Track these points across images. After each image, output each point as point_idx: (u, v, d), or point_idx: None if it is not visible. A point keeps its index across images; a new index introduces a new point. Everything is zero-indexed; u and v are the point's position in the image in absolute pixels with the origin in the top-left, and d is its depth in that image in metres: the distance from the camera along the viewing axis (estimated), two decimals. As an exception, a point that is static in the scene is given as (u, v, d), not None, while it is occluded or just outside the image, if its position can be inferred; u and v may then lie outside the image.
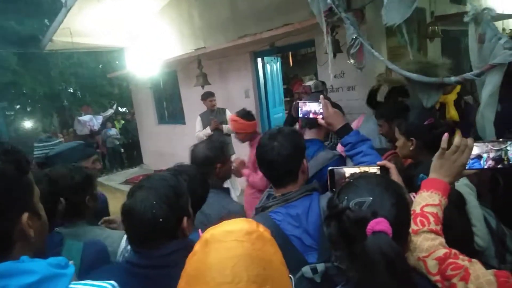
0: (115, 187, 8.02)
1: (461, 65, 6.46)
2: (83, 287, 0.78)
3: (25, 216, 0.80)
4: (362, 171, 1.28)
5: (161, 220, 1.11)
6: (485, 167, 1.18)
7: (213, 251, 0.70)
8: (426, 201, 1.10)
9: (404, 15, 1.98)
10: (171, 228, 1.15)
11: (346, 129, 1.61)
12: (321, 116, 1.64)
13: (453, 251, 0.99)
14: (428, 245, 1.01)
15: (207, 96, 5.18)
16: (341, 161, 1.89)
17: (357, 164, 1.53)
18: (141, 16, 7.13)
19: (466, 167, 1.17)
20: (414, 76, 2.02)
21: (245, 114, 3.11)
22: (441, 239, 1.04)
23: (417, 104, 2.15)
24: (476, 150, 1.18)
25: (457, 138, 1.14)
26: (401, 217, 0.91)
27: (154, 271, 1.11)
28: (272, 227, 1.31)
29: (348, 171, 1.30)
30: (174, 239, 1.15)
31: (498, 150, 1.16)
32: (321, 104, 1.63)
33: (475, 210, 1.64)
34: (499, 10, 5.93)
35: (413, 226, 1.05)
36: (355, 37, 2.29)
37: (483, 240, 1.61)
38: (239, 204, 1.93)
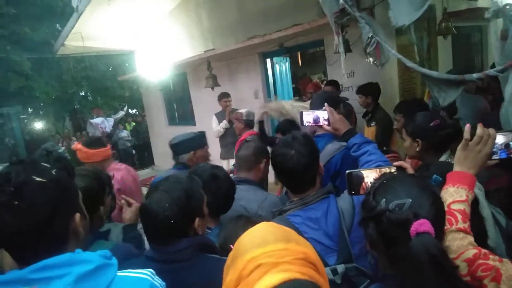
0: (127, 189, 8.10)
1: (472, 61, 6.38)
2: (128, 274, 0.89)
3: (77, 216, 0.91)
4: (381, 172, 1.28)
5: (172, 221, 1.22)
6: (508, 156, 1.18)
7: (245, 234, 0.82)
8: (453, 198, 1.07)
9: (413, 16, 1.98)
10: (183, 227, 1.26)
11: (351, 132, 1.68)
12: (326, 123, 1.70)
13: (483, 251, 0.96)
14: (457, 245, 0.99)
15: (222, 97, 5.25)
16: (348, 151, 1.91)
17: (364, 163, 1.55)
18: (150, 19, 7.21)
19: (495, 157, 1.17)
20: (434, 73, 2.00)
21: (91, 143, 2.75)
22: (470, 238, 1.01)
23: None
24: (502, 139, 1.18)
25: (480, 129, 1.13)
26: (439, 217, 0.94)
27: (166, 265, 1.22)
28: None
29: (366, 173, 1.30)
30: (186, 237, 1.26)
31: None
32: (326, 111, 1.70)
33: (485, 210, 1.63)
34: None
35: None
36: (371, 35, 2.29)
37: (491, 239, 1.60)
38: (276, 196, 2.10)
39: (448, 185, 1.12)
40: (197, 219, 1.29)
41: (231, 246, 0.96)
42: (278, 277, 0.67)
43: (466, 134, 1.14)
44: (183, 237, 1.25)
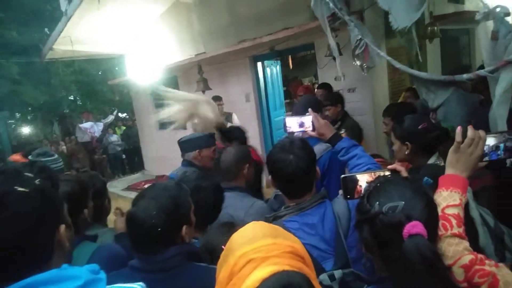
0: (117, 194, 8.01)
1: (460, 63, 6.48)
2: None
3: (63, 227, 0.88)
4: (375, 176, 1.27)
5: (159, 229, 1.21)
6: (502, 156, 1.20)
7: (236, 234, 0.86)
8: (447, 202, 1.07)
9: (413, 17, 2.00)
10: (170, 235, 1.25)
11: (337, 137, 1.68)
12: (310, 129, 1.69)
13: (479, 256, 0.95)
14: (452, 251, 0.98)
15: (214, 100, 5.23)
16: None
17: (354, 166, 1.55)
18: (140, 22, 7.17)
19: (487, 159, 1.18)
20: (423, 74, 2.02)
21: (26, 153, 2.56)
22: (465, 243, 1.00)
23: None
24: (492, 141, 1.19)
25: (470, 131, 1.13)
26: (432, 219, 0.95)
27: (153, 275, 1.20)
28: None
29: (360, 177, 1.29)
30: (173, 245, 1.25)
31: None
32: (310, 116, 1.68)
33: (473, 211, 1.66)
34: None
35: None
36: (360, 38, 2.31)
37: (481, 240, 1.62)
38: (263, 202, 2.03)
39: (441, 189, 1.11)
40: (184, 227, 1.29)
41: (222, 246, 0.97)
42: (268, 270, 0.71)
43: (458, 136, 1.13)
44: (170, 245, 1.24)
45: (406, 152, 1.89)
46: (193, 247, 1.35)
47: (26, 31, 12.04)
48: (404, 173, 1.30)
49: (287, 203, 1.47)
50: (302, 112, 1.78)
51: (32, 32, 12.20)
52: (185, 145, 2.63)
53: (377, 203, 0.94)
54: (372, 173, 1.28)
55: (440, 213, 1.04)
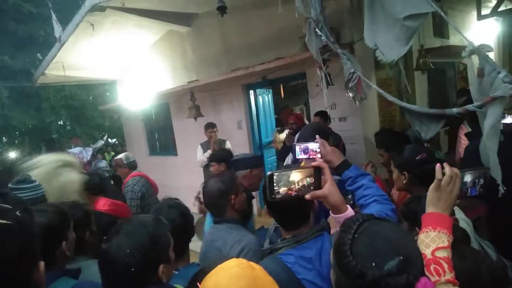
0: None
1: (447, 95, 6.65)
2: None
3: (42, 265, 0.82)
4: (304, 173, 1.22)
5: (133, 269, 1.11)
6: (480, 192, 1.23)
7: (210, 279, 0.83)
8: (436, 244, 1.03)
9: (401, 51, 2.07)
10: (145, 276, 1.15)
11: (345, 164, 1.57)
12: (319, 156, 1.58)
13: None
14: None
15: (208, 127, 5.28)
16: (340, 182, 1.88)
17: (360, 197, 1.48)
18: (134, 50, 7.26)
19: (468, 195, 1.19)
20: (414, 107, 2.06)
21: None
22: None
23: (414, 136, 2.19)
24: (469, 177, 1.21)
25: (448, 168, 1.13)
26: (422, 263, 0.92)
27: None
28: (283, 271, 1.27)
29: (290, 174, 1.21)
30: (148, 286, 1.15)
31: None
32: (317, 143, 1.59)
33: (474, 245, 1.65)
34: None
35: (428, 275, 0.96)
36: (353, 71, 2.36)
37: None
38: (254, 236, 1.86)
39: (427, 228, 1.08)
40: (161, 266, 1.19)
41: (198, 284, 0.94)
42: None
43: (438, 174, 1.13)
44: (145, 286, 1.14)
45: (404, 182, 1.91)
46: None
47: (19, 56, 12.05)
48: (327, 170, 1.26)
49: (284, 235, 1.43)
50: (308, 139, 1.71)
51: (25, 57, 12.22)
52: (238, 164, 2.68)
53: (373, 263, 0.85)
54: (301, 170, 1.22)
55: (430, 256, 1.00)
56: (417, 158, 1.85)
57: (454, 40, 6.07)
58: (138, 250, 1.13)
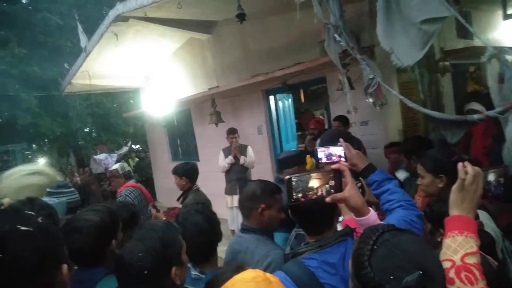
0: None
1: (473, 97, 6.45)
2: None
3: (65, 268, 0.85)
4: (322, 177, 1.20)
5: (146, 272, 1.16)
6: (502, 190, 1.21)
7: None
8: (465, 249, 0.98)
9: (416, 56, 2.03)
10: (158, 278, 1.20)
11: (370, 168, 1.53)
12: (343, 159, 1.54)
13: None
14: None
15: (229, 133, 5.33)
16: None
17: (385, 202, 1.45)
18: (156, 58, 7.43)
19: (491, 194, 1.16)
20: (436, 114, 2.02)
21: None
22: None
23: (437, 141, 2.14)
24: (492, 176, 1.19)
25: (471, 167, 1.09)
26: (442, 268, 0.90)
27: None
28: (306, 275, 1.27)
29: (310, 179, 1.19)
30: None
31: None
32: (341, 147, 1.55)
33: (499, 252, 1.61)
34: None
35: (459, 285, 0.93)
36: (372, 77, 2.33)
37: None
38: (281, 251, 1.76)
39: (453, 232, 1.03)
40: (174, 269, 1.24)
41: None
42: None
43: (462, 173, 1.08)
44: None
45: (440, 185, 1.84)
46: None
47: (47, 66, 12.55)
48: (347, 173, 1.24)
49: (307, 240, 1.42)
50: (331, 143, 1.65)
51: (53, 67, 12.70)
52: (284, 162, 2.71)
53: (391, 276, 0.83)
54: (321, 174, 1.21)
55: (459, 262, 0.96)
56: (452, 159, 1.78)
57: (479, 41, 5.90)
58: (150, 253, 1.19)
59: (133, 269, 1.17)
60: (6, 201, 1.77)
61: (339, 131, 2.63)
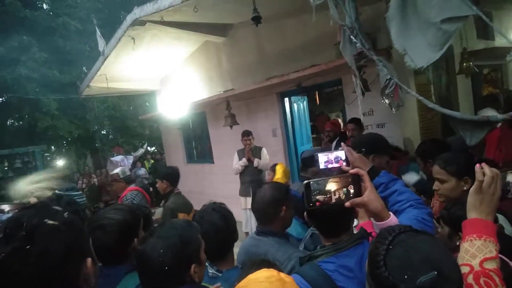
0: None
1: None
2: None
3: (89, 261, 0.88)
4: (340, 181, 1.20)
5: (166, 268, 1.20)
6: None
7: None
8: (484, 254, 0.96)
9: (431, 58, 1.99)
10: (178, 274, 1.23)
11: (375, 171, 1.52)
12: (345, 164, 1.49)
13: None
14: None
15: (243, 135, 5.36)
16: None
17: (395, 203, 1.43)
18: (172, 61, 7.52)
19: (510, 196, 1.13)
20: (457, 114, 1.98)
21: None
22: None
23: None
24: (511, 177, 1.18)
25: (488, 169, 1.06)
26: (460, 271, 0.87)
27: None
28: (323, 278, 1.26)
29: (326, 182, 1.20)
30: (182, 285, 1.23)
31: None
32: (343, 151, 1.50)
33: None
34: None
35: None
36: (390, 78, 2.30)
37: None
38: (302, 253, 1.78)
39: (471, 236, 1.01)
40: (193, 266, 1.27)
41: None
42: None
43: (479, 175, 1.06)
44: (179, 285, 1.23)
45: (465, 188, 1.79)
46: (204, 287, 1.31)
47: (67, 70, 12.84)
48: (366, 177, 1.23)
49: (324, 243, 1.40)
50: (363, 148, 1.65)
51: (71, 71, 12.99)
52: (310, 161, 2.73)
53: (406, 276, 0.82)
54: (339, 178, 1.21)
55: (478, 267, 0.94)
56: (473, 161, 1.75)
57: (500, 41, 5.76)
58: (170, 250, 1.22)
59: (154, 264, 1.20)
60: (33, 200, 1.87)
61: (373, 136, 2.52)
